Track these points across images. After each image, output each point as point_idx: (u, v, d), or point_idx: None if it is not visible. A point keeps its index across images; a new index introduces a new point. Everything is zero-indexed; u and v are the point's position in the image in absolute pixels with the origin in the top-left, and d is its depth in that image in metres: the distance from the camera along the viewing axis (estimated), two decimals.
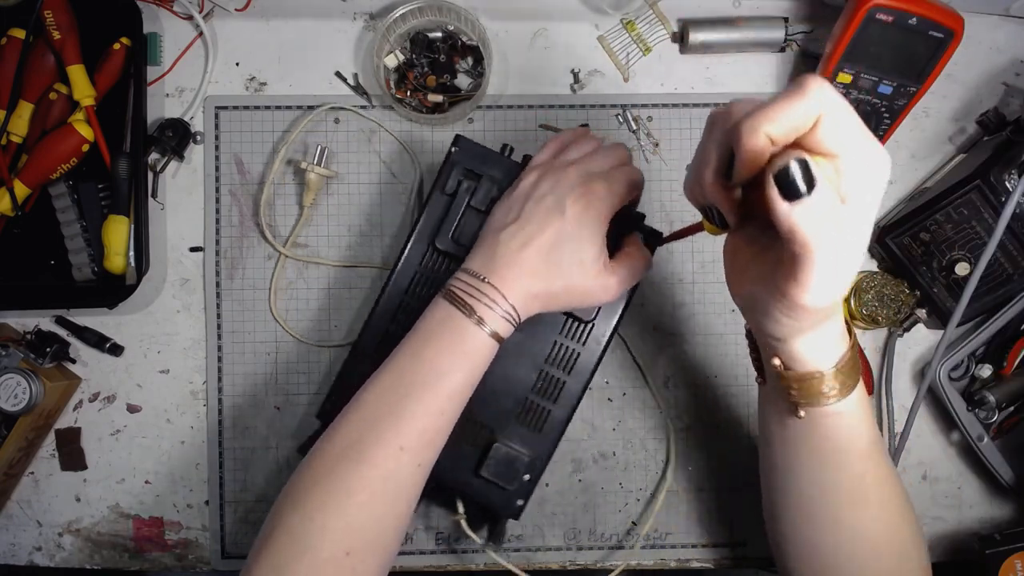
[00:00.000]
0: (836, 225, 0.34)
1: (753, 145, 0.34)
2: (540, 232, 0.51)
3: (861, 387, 0.46)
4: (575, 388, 0.60)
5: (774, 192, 0.33)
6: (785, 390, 0.45)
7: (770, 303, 0.40)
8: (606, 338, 0.60)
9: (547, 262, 0.51)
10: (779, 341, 0.43)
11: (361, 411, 0.50)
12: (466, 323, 0.50)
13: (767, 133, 0.34)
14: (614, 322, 0.60)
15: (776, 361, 0.44)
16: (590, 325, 0.60)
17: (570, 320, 0.60)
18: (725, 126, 0.37)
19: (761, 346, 0.47)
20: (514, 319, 0.51)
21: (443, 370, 0.50)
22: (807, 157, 0.33)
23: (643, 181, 0.55)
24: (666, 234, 0.57)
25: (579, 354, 0.60)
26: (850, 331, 0.45)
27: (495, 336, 0.50)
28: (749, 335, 0.50)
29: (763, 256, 0.42)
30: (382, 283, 0.63)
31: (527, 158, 0.59)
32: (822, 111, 0.33)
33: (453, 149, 0.60)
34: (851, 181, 0.35)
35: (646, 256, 0.56)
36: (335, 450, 0.49)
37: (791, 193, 0.33)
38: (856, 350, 0.45)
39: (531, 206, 0.52)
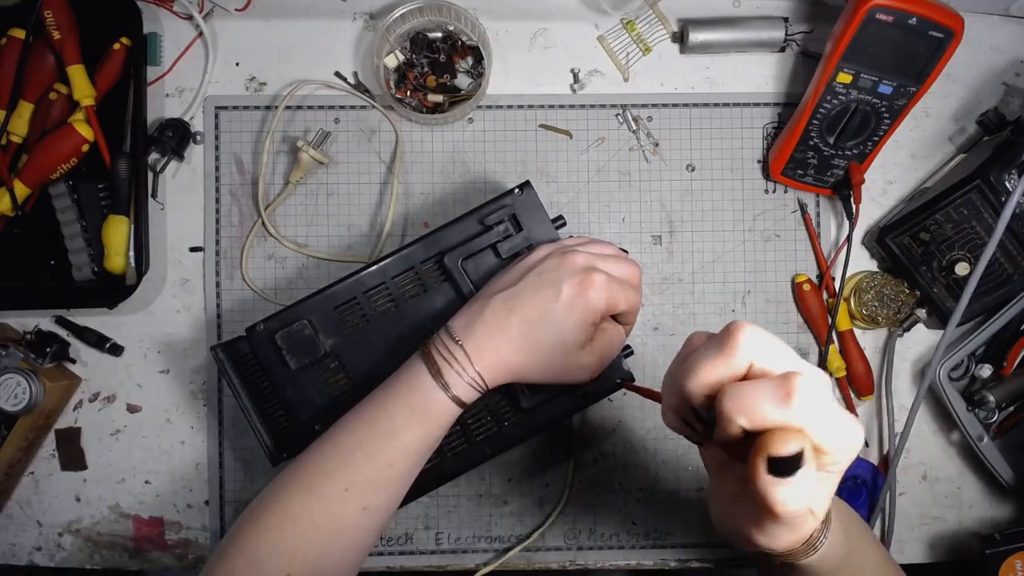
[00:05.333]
0: (810, 494, 0.33)
1: (730, 435, 0.34)
2: (530, 304, 0.51)
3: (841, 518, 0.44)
4: (469, 455, 0.59)
5: (761, 464, 0.32)
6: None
7: (742, 538, 0.39)
8: (524, 430, 0.59)
9: (529, 336, 0.50)
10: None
11: (323, 446, 0.52)
12: (431, 385, 0.50)
13: (741, 426, 0.34)
14: (546, 420, 0.59)
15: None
16: (520, 412, 0.58)
17: (505, 400, 0.59)
18: (690, 387, 0.37)
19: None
20: (480, 387, 0.51)
21: (399, 426, 0.50)
22: (804, 446, 0.32)
23: (639, 308, 0.55)
24: (637, 382, 0.58)
25: (496, 431, 0.59)
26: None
27: (457, 401, 0.51)
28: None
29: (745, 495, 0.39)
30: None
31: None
32: (798, 408, 0.33)
33: (516, 191, 0.59)
34: (829, 455, 0.34)
35: (620, 332, 0.55)
36: (293, 479, 0.51)
37: (779, 472, 0.32)
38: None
39: (531, 278, 0.52)
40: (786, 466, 0.32)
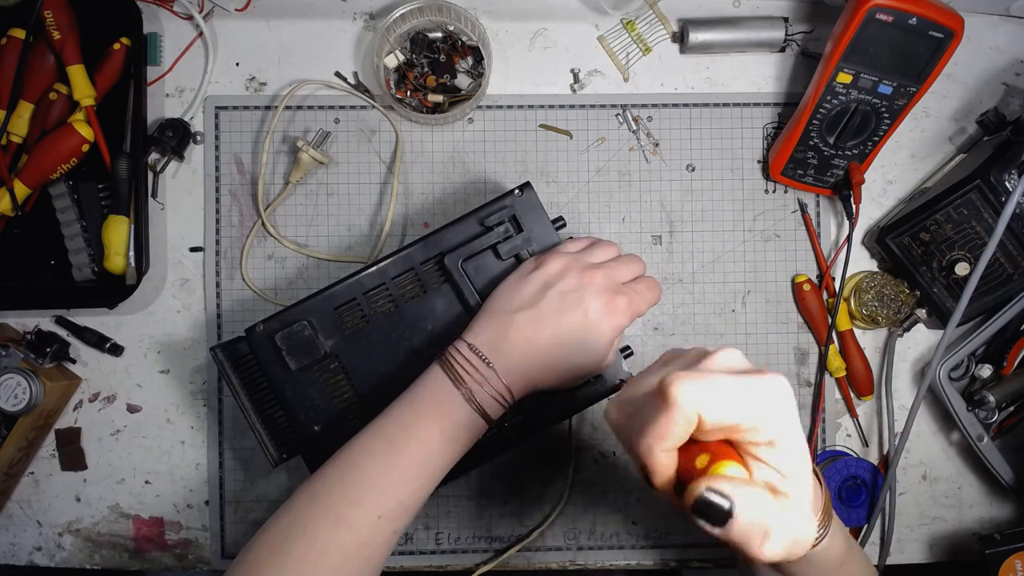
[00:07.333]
0: (773, 511, 0.33)
1: (662, 479, 0.35)
2: (557, 325, 0.51)
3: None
4: (470, 456, 0.58)
5: (702, 523, 0.32)
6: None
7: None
8: (513, 437, 0.59)
9: (559, 356, 0.51)
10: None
11: (346, 472, 0.49)
12: (463, 406, 0.49)
13: (664, 450, 0.34)
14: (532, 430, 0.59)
15: None
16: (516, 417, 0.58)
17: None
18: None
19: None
20: (508, 403, 0.51)
21: (432, 450, 0.49)
22: (712, 484, 0.32)
23: (661, 293, 0.55)
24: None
25: (496, 432, 0.58)
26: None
27: (487, 419, 0.51)
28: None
29: None
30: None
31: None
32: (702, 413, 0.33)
33: (516, 192, 0.59)
34: (748, 432, 0.33)
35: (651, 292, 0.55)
36: (315, 507, 0.48)
37: (715, 523, 0.32)
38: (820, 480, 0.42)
39: (553, 296, 0.51)
40: (712, 515, 0.32)
